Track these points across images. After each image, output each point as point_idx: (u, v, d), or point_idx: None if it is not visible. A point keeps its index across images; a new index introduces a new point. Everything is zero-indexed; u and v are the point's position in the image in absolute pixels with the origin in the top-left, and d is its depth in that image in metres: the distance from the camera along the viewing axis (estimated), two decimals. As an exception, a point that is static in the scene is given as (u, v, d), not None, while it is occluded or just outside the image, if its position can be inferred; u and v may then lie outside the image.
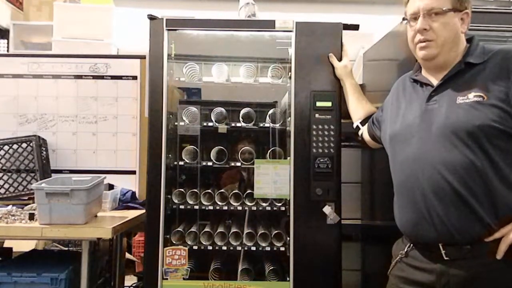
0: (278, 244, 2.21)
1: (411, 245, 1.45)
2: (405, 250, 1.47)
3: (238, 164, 2.31)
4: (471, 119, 1.31)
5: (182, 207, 2.26)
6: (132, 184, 2.81)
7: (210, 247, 2.23)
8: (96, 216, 2.29)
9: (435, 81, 1.45)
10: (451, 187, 1.31)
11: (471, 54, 1.42)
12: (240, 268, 2.29)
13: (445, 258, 1.34)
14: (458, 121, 1.33)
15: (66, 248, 3.17)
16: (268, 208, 2.24)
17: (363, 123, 1.94)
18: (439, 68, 1.45)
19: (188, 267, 2.17)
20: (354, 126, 2.00)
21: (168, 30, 2.19)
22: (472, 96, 1.33)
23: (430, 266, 1.37)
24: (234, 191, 2.30)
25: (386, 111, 1.66)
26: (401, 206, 1.48)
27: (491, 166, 1.30)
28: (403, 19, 1.54)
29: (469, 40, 1.47)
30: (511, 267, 1.28)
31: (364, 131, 1.92)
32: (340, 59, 2.14)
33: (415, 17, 1.44)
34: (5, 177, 2.64)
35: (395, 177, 1.52)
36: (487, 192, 1.30)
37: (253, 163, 2.23)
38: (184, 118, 2.34)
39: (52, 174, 2.69)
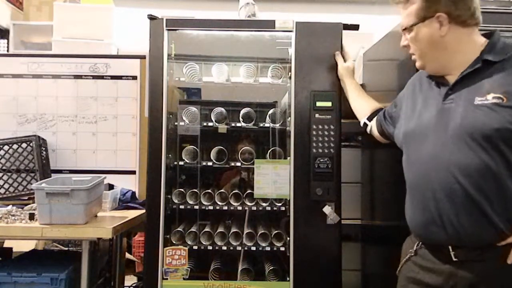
0: (278, 244, 2.21)
1: (420, 243, 1.44)
2: (414, 248, 1.45)
3: (238, 164, 2.30)
4: (489, 122, 1.27)
5: (182, 207, 2.26)
6: (132, 184, 2.81)
7: (210, 247, 2.23)
8: (96, 216, 2.29)
9: (452, 79, 1.41)
10: (464, 190, 1.28)
11: (489, 51, 1.36)
12: (240, 268, 2.29)
13: (454, 260, 1.32)
14: (476, 123, 1.28)
15: (66, 248, 3.17)
16: (268, 208, 2.24)
17: (370, 118, 1.90)
18: (442, 72, 1.43)
19: (188, 267, 2.17)
20: (361, 123, 1.95)
21: (168, 30, 2.19)
22: (490, 97, 1.29)
23: (439, 267, 1.35)
24: (234, 191, 2.30)
25: (400, 106, 1.62)
26: (411, 206, 1.45)
27: (507, 171, 1.26)
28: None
29: (489, 35, 1.41)
30: None
31: (372, 127, 1.87)
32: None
33: None
34: (5, 177, 2.64)
35: (407, 177, 1.49)
36: (501, 197, 1.27)
37: (253, 163, 2.23)
38: (184, 118, 2.34)
39: (52, 174, 2.69)
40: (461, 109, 1.33)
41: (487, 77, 1.33)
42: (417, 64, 1.48)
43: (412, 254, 1.46)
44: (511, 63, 1.33)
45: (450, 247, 1.32)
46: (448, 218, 1.31)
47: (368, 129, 1.91)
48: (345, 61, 2.13)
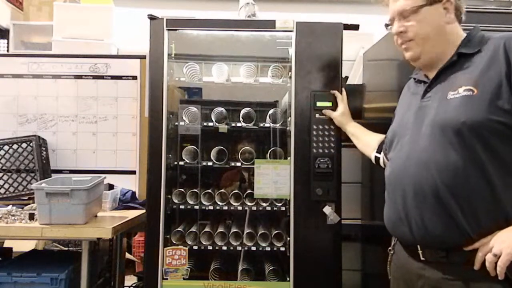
0: (278, 244, 2.21)
1: (396, 239, 1.44)
2: (392, 244, 1.46)
3: (238, 164, 2.30)
4: (457, 116, 1.22)
5: (182, 207, 2.26)
6: (132, 184, 2.81)
7: (210, 247, 2.23)
8: (96, 216, 2.29)
9: (432, 76, 1.39)
10: (432, 189, 1.24)
11: (465, 44, 1.33)
12: (240, 268, 2.29)
13: (422, 259, 1.30)
14: (446, 118, 1.25)
15: (66, 248, 3.17)
16: (268, 208, 2.24)
17: (379, 151, 1.81)
18: (429, 66, 1.39)
19: (188, 267, 2.17)
20: (373, 159, 1.85)
21: (168, 30, 2.19)
22: (462, 90, 1.24)
23: (410, 266, 1.35)
24: (234, 191, 2.30)
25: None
26: (386, 203, 1.45)
27: (477, 169, 1.20)
28: (386, 25, 1.48)
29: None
30: (487, 280, 1.17)
31: (384, 158, 1.78)
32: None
33: (393, 22, 1.42)
34: (5, 177, 2.64)
35: (385, 173, 1.48)
36: (471, 199, 1.20)
37: (253, 163, 2.23)
38: (184, 118, 2.34)
39: (52, 174, 2.69)
40: (435, 105, 1.31)
41: (461, 71, 1.30)
42: (411, 53, 1.39)
43: (392, 252, 1.46)
44: (485, 53, 1.27)
45: (418, 246, 1.31)
46: (414, 218, 1.28)
47: (381, 162, 1.81)
48: (337, 104, 2.14)
